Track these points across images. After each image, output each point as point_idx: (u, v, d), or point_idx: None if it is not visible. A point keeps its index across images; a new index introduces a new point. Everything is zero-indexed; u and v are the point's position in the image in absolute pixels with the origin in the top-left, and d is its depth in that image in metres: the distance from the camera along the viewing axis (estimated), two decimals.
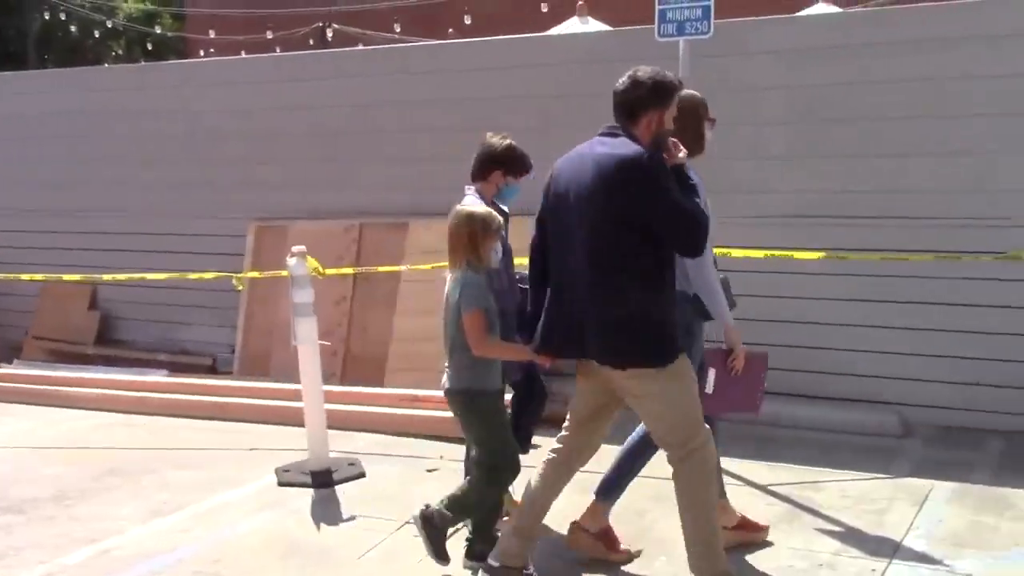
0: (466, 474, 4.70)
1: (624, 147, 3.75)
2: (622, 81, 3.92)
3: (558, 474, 4.18)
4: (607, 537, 4.49)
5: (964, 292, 6.22)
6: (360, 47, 11.35)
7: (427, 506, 4.21)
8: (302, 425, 5.80)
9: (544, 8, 16.58)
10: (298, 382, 5.80)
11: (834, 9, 9.70)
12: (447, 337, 4.23)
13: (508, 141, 4.77)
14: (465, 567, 4.37)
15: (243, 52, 17.54)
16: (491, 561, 4.17)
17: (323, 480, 5.60)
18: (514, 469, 4.31)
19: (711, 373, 4.21)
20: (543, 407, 4.94)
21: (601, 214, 3.73)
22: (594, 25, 11.65)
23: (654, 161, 3.71)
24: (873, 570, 4.33)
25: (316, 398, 5.70)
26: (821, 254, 6.22)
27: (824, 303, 6.50)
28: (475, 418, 4.27)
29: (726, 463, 5.56)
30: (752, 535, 4.62)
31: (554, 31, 11.58)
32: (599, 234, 3.75)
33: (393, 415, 6.75)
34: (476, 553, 4.35)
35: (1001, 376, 6.16)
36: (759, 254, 6.29)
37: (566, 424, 4.21)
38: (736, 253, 6.21)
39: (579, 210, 3.80)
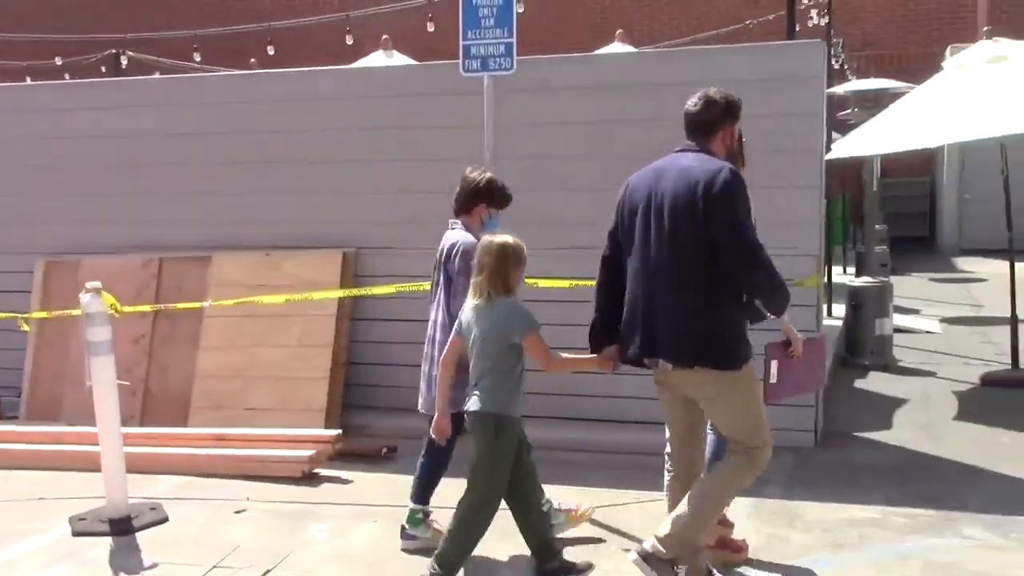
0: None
1: (711, 163, 4.10)
2: (694, 102, 4.34)
3: (684, 488, 4.34)
4: (727, 544, 4.75)
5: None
6: (158, 75, 10.94)
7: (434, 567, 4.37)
8: (99, 470, 5.51)
9: (349, 41, 16.53)
10: (94, 425, 5.51)
11: (629, 48, 10.15)
12: (477, 361, 4.40)
13: (488, 174, 4.99)
14: None
15: (28, 78, 16.60)
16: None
17: (122, 527, 5.33)
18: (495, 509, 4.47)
19: (773, 365, 4.39)
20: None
21: (692, 225, 4.00)
22: (399, 59, 11.71)
23: (740, 179, 4.05)
24: None
25: (113, 440, 5.42)
26: (568, 282, 6.40)
27: (569, 329, 6.70)
28: (495, 443, 4.39)
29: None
30: (732, 555, 4.76)
31: (359, 64, 11.57)
32: (687, 242, 4.02)
33: (197, 456, 6.50)
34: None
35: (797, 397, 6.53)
36: (565, 284, 6.45)
37: (669, 444, 4.48)
38: (544, 283, 6.34)
39: (668, 219, 4.07)
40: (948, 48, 16.89)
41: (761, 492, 5.70)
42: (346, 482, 6.20)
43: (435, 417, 4.65)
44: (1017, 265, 10.68)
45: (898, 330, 9.80)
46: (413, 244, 7.07)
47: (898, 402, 7.76)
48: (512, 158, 6.49)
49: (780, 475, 6.04)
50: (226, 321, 7.41)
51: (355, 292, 7.13)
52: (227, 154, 7.70)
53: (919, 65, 19.20)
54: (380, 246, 7.35)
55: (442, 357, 4.64)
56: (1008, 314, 8.53)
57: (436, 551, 4.45)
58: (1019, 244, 15.48)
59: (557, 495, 5.69)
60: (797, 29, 10.12)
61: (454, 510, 4.49)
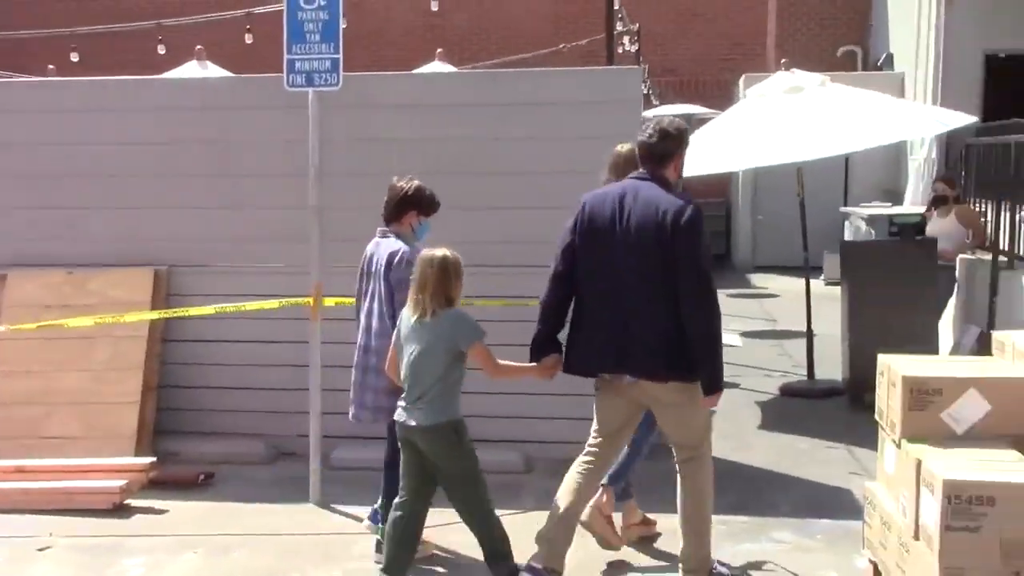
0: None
1: (675, 197, 4.44)
2: (649, 133, 4.57)
3: (590, 483, 4.76)
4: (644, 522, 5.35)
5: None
6: None
7: None
8: None
9: (161, 50, 15.83)
10: None
11: (450, 68, 10.23)
12: (421, 375, 4.48)
13: (416, 182, 5.13)
14: None
15: None
16: (534, 563, 4.58)
17: None
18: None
19: None
20: None
21: (660, 249, 4.34)
22: (213, 70, 11.34)
23: (702, 215, 4.41)
24: None
25: None
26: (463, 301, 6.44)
27: None
28: (461, 447, 4.57)
29: (364, 512, 5.60)
30: (649, 529, 5.36)
31: (171, 74, 11.11)
32: (656, 265, 4.36)
33: None
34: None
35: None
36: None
37: (594, 439, 4.78)
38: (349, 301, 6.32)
39: (634, 243, 4.40)
40: (742, 77, 17.92)
41: None
42: (161, 512, 5.92)
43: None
44: (797, 280, 11.46)
45: None
46: (233, 262, 6.84)
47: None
48: (336, 175, 6.41)
49: None
50: (23, 344, 6.93)
51: (170, 313, 6.82)
52: (29, 166, 7.22)
53: (714, 92, 20.31)
54: (195, 264, 7.07)
55: (387, 366, 4.76)
56: (801, 328, 9.06)
57: (486, 556, 4.69)
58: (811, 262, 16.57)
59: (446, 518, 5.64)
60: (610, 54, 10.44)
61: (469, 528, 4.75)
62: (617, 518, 5.23)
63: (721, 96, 19.23)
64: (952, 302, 8.47)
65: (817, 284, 15.62)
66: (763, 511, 5.69)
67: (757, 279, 16.95)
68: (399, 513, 4.63)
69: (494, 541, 4.68)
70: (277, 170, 6.83)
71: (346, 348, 6.62)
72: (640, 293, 4.39)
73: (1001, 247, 7.83)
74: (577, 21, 20.61)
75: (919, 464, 3.86)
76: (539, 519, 5.59)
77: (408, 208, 5.12)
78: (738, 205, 18.34)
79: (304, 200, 6.09)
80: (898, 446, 4.18)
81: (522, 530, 5.47)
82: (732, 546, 5.21)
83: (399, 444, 4.65)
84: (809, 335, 8.88)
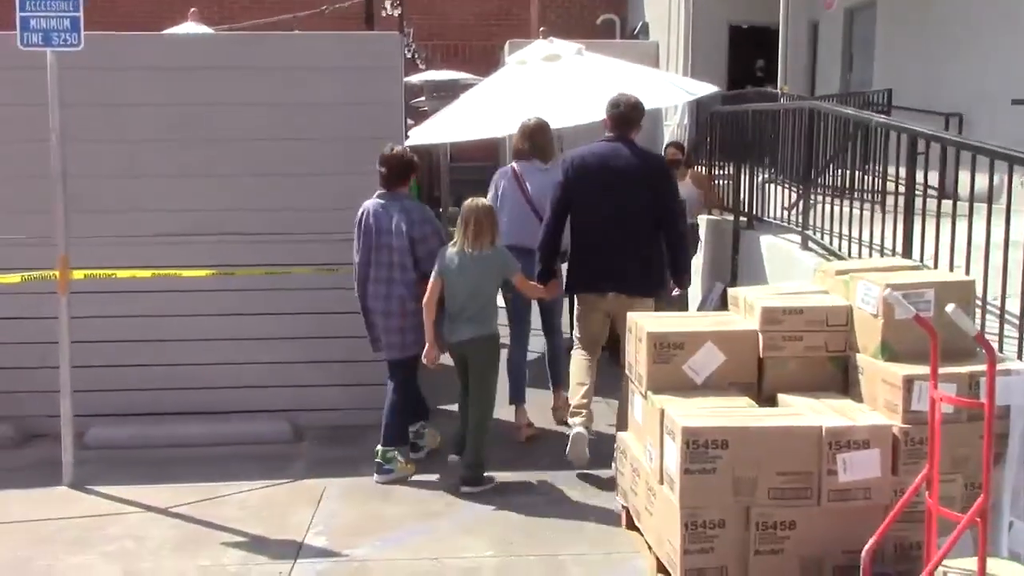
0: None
1: (650, 151, 6.17)
2: (623, 103, 5.85)
3: (592, 371, 5.90)
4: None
5: (342, 301, 6.69)
6: None
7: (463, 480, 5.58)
8: None
9: None
10: None
11: (204, 29, 9.83)
12: (478, 296, 5.56)
13: (406, 149, 6.02)
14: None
15: None
16: (580, 429, 5.62)
17: None
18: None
19: None
20: None
21: (649, 191, 5.64)
22: None
23: None
24: (280, 572, 4.53)
25: None
26: (210, 271, 6.29)
27: (216, 319, 6.57)
28: (496, 356, 5.78)
29: (122, 492, 5.43)
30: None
31: None
32: (642, 205, 5.63)
33: None
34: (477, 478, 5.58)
35: (372, 375, 6.74)
36: (146, 273, 6.18)
37: (580, 346, 5.92)
38: (122, 274, 6.04)
39: (624, 189, 5.62)
40: (507, 43, 18.23)
41: (355, 472, 5.87)
42: None
43: (426, 348, 5.69)
44: None
45: None
46: None
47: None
48: (82, 141, 6.08)
49: (370, 454, 6.24)
50: None
51: None
52: None
53: (481, 57, 20.55)
54: None
55: (427, 299, 5.61)
56: None
57: (465, 458, 5.65)
58: None
59: (147, 495, 5.49)
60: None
61: (467, 417, 5.74)
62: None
63: (487, 61, 19.45)
64: (699, 259, 9.02)
65: None
66: (531, 466, 5.92)
67: None
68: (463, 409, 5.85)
69: (480, 453, 5.62)
70: (15, 136, 6.40)
71: (98, 323, 6.38)
72: (627, 229, 5.62)
73: (741, 208, 8.40)
74: None
75: (662, 413, 4.15)
76: (311, 488, 5.63)
77: (410, 173, 5.91)
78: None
79: (47, 167, 5.73)
80: (645, 397, 4.46)
81: (293, 499, 5.48)
82: (503, 498, 5.40)
83: (453, 356, 5.82)
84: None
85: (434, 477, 5.82)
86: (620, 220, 5.60)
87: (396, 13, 12.74)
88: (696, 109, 13.64)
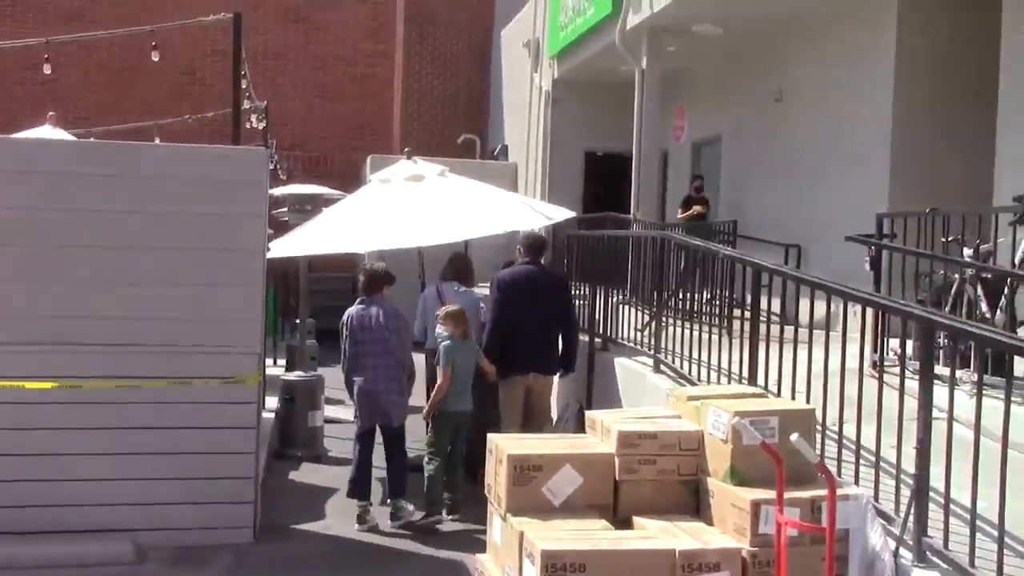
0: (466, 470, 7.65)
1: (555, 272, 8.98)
2: (534, 235, 8.20)
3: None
4: None
5: (193, 416, 6.53)
6: None
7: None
8: None
9: None
10: None
11: (62, 133, 9.64)
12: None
13: (382, 264, 7.83)
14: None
15: None
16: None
17: None
18: None
19: None
20: None
21: (560, 302, 7.90)
22: None
23: None
24: None
25: None
26: (55, 383, 6.05)
27: (60, 433, 6.29)
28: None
29: None
30: None
31: None
32: (558, 311, 7.84)
33: None
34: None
35: (225, 492, 6.57)
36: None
37: (509, 425, 7.42)
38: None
39: (547, 299, 7.77)
40: (369, 157, 18.50)
41: None
42: None
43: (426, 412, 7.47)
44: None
45: (327, 421, 10.29)
46: None
47: (330, 491, 8.15)
48: None
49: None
50: None
51: None
52: None
53: (343, 170, 20.75)
54: None
55: (440, 384, 7.27)
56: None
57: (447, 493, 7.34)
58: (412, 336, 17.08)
59: None
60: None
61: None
62: None
63: (350, 174, 19.69)
64: (555, 380, 9.20)
65: (420, 359, 16.33)
66: None
67: None
68: (441, 469, 7.27)
69: (454, 489, 7.37)
70: None
71: None
72: (549, 327, 7.74)
73: (596, 330, 8.66)
74: (203, 91, 20.34)
75: (522, 536, 4.19)
76: None
77: (383, 283, 7.51)
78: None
79: None
80: (504, 519, 4.50)
81: None
82: None
83: (444, 424, 7.32)
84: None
85: None
86: (541, 320, 7.63)
87: (260, 127, 12.79)
88: (552, 230, 14.10)
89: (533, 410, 7.77)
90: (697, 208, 13.65)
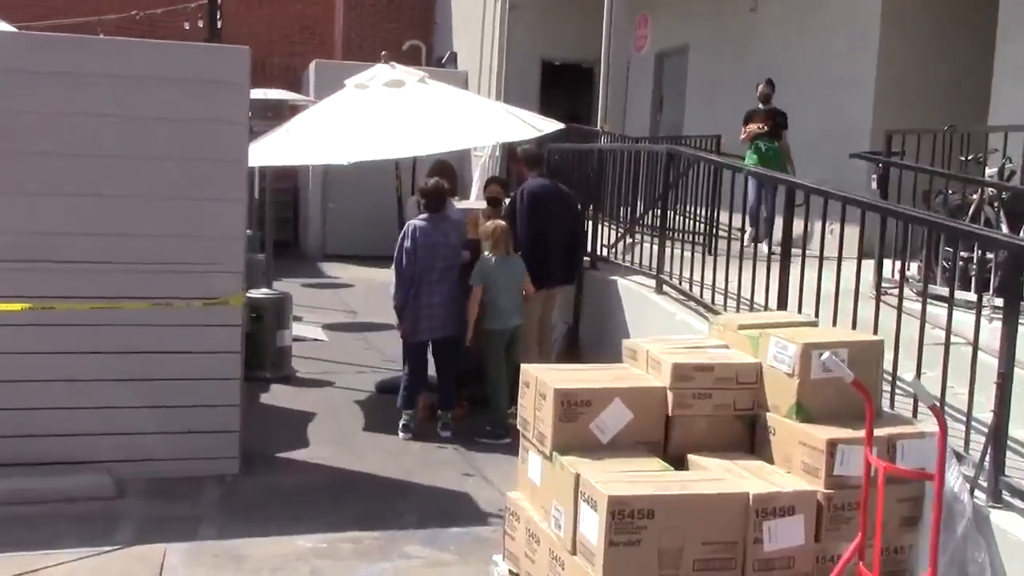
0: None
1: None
2: (536, 149, 8.02)
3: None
4: None
5: (173, 339, 6.04)
6: None
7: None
8: None
9: None
10: None
11: (5, 26, 8.77)
12: (507, 291, 7.21)
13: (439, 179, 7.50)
14: None
15: None
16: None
17: None
18: None
19: None
20: None
21: (575, 213, 8.05)
22: None
23: None
24: None
25: None
26: (24, 304, 5.49)
27: (30, 358, 5.74)
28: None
29: None
30: None
31: None
32: (572, 222, 7.87)
33: None
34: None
35: (207, 421, 6.13)
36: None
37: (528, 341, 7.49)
38: None
39: (563, 211, 7.75)
40: (313, 63, 17.65)
41: (196, 533, 5.26)
42: None
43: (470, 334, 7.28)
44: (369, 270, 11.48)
45: (294, 339, 9.83)
46: None
47: (308, 416, 7.75)
48: None
49: (211, 510, 5.65)
50: None
51: None
52: None
53: (281, 75, 19.76)
54: None
55: (470, 304, 7.19)
56: (381, 320, 9.42)
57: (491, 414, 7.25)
58: (373, 251, 16.68)
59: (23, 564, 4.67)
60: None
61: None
62: None
63: (289, 80, 18.78)
64: None
65: (387, 274, 15.88)
66: (389, 524, 5.48)
67: (329, 268, 16.75)
68: (501, 387, 7.20)
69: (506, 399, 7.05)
70: None
71: None
72: (567, 239, 7.72)
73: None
74: None
75: (578, 478, 3.85)
76: (147, 555, 4.96)
77: (448, 196, 7.42)
78: (308, 191, 18.03)
79: None
80: (549, 458, 4.15)
81: (129, 571, 4.80)
82: (367, 566, 4.94)
83: (493, 342, 7.24)
84: None
85: (306, 539, 5.26)
86: (561, 234, 7.68)
87: (200, 24, 11.88)
88: (507, 146, 13.60)
89: (543, 325, 7.73)
90: (752, 128, 10.31)
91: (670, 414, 4.22)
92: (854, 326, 4.94)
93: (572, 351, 8.17)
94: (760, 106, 10.39)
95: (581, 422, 4.14)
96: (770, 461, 4.12)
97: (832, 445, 3.81)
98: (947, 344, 4.32)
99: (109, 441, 5.96)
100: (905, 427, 4.00)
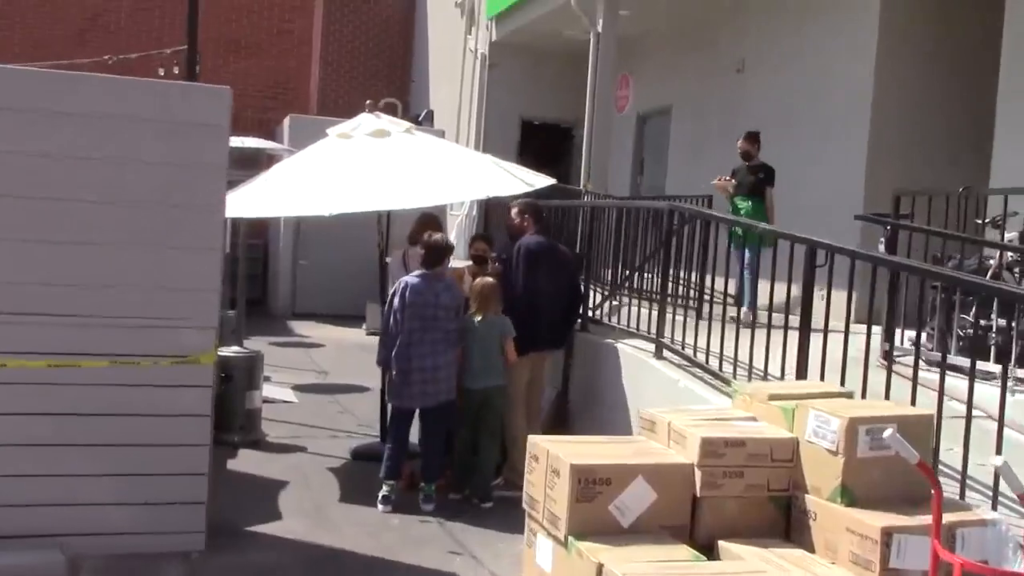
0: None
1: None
2: (538, 203, 7.68)
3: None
4: None
5: (137, 401, 5.52)
6: None
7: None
8: None
9: None
10: None
11: None
12: (483, 351, 6.83)
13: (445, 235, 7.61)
14: None
15: None
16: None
17: None
18: None
19: None
20: None
21: (574, 275, 7.71)
22: None
23: None
24: None
25: None
26: None
27: None
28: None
29: None
30: None
31: None
32: (569, 284, 7.52)
33: None
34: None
35: (172, 492, 5.60)
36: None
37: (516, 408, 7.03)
38: None
39: (563, 271, 7.38)
40: (287, 117, 17.32)
41: None
42: None
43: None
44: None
45: (265, 401, 9.31)
46: None
47: (279, 485, 7.21)
48: None
49: None
50: None
51: None
52: None
53: (254, 129, 19.38)
54: None
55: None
56: (354, 381, 8.69)
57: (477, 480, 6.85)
58: (344, 310, 16.21)
59: None
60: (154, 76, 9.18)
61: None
62: None
63: (264, 134, 18.42)
64: None
65: (359, 334, 15.39)
66: None
67: (299, 327, 16.23)
68: (465, 449, 6.94)
69: (491, 466, 6.90)
70: None
71: None
72: (563, 301, 7.33)
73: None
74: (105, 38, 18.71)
75: (600, 569, 3.39)
76: None
77: (447, 255, 6.99)
78: (278, 247, 17.55)
79: None
80: (563, 543, 3.69)
81: None
82: None
83: (466, 403, 6.85)
84: (383, 392, 8.29)
85: None
86: (558, 296, 7.28)
87: (180, 69, 11.54)
88: (485, 202, 13.26)
89: (532, 390, 7.22)
90: (719, 183, 9.91)
91: (698, 495, 3.79)
92: (863, 396, 4.59)
93: (560, 418, 7.72)
94: (743, 163, 9.87)
95: (599, 502, 3.70)
96: (810, 550, 3.69)
97: (887, 534, 3.39)
98: (1000, 424, 3.94)
99: (62, 512, 5.39)
100: (964, 514, 3.59)
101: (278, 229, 17.40)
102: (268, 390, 10.42)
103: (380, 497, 6.66)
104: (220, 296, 5.91)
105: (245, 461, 7.86)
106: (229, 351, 8.83)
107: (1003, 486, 4.00)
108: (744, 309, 7.78)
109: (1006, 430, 4.13)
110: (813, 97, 10.50)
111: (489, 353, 6.83)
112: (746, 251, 8.53)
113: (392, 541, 6.07)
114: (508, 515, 6.56)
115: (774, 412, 4.01)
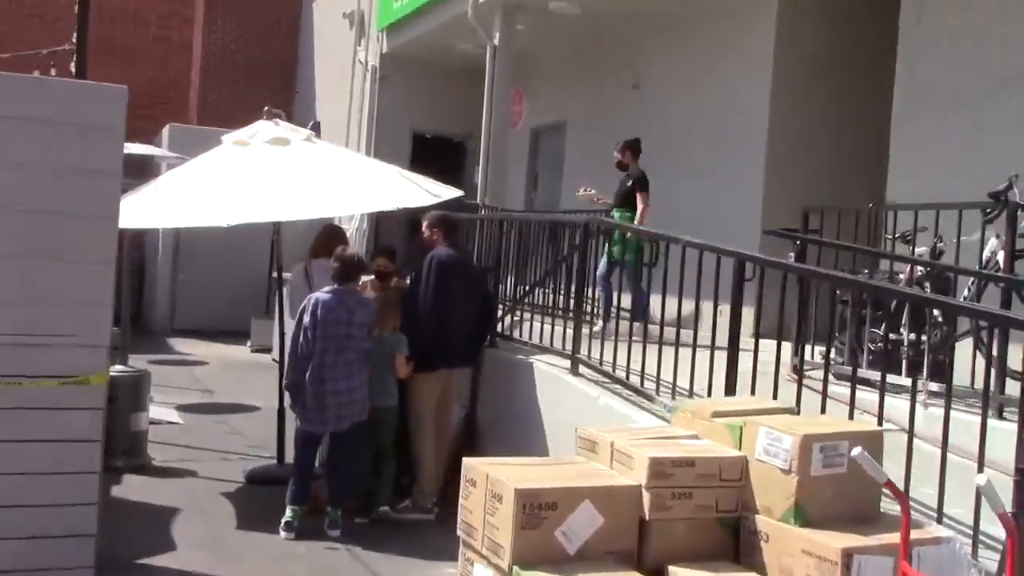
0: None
1: None
2: (451, 215, 7.29)
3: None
4: None
5: (20, 425, 5.06)
6: None
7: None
8: None
9: None
10: None
11: None
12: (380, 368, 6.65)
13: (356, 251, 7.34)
14: None
15: None
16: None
17: None
18: None
19: None
20: None
21: (485, 290, 7.56)
22: None
23: None
24: None
25: None
26: None
27: None
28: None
29: None
30: None
31: None
32: (481, 299, 7.31)
33: None
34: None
35: (59, 524, 5.15)
36: None
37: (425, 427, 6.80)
38: None
39: (474, 286, 7.19)
40: (167, 127, 16.66)
41: None
42: None
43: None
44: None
45: (151, 423, 8.78)
46: None
47: (171, 512, 6.75)
48: None
49: None
50: None
51: None
52: None
53: (131, 139, 18.58)
54: None
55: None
56: (241, 400, 8.25)
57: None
58: (227, 326, 15.65)
59: None
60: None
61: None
62: None
63: (141, 143, 17.66)
64: None
65: (244, 351, 14.84)
66: None
67: (179, 344, 15.58)
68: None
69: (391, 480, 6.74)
70: None
71: None
72: (474, 316, 7.06)
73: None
74: None
75: None
76: None
77: (361, 271, 6.81)
78: (156, 261, 16.82)
79: None
80: (506, 573, 3.46)
81: None
82: None
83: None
84: (280, 412, 7.90)
85: None
86: (469, 311, 7.00)
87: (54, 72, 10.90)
88: (376, 215, 12.96)
89: (442, 409, 6.97)
90: (583, 193, 9.95)
91: (646, 517, 3.62)
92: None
93: (469, 437, 7.48)
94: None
95: (545, 529, 3.49)
96: (762, 572, 3.56)
97: (848, 555, 3.28)
98: (910, 436, 3.89)
99: None
100: (918, 532, 3.50)
101: (156, 241, 16.68)
102: (152, 411, 9.84)
103: (283, 523, 6.30)
104: (112, 312, 5.49)
105: (132, 487, 7.36)
106: (114, 370, 8.28)
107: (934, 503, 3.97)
108: (600, 323, 7.72)
109: (917, 442, 4.11)
110: (710, 112, 10.57)
111: (380, 371, 6.61)
112: (603, 263, 8.25)
113: (300, 570, 5.73)
114: (419, 539, 6.31)
115: (719, 430, 3.88)
